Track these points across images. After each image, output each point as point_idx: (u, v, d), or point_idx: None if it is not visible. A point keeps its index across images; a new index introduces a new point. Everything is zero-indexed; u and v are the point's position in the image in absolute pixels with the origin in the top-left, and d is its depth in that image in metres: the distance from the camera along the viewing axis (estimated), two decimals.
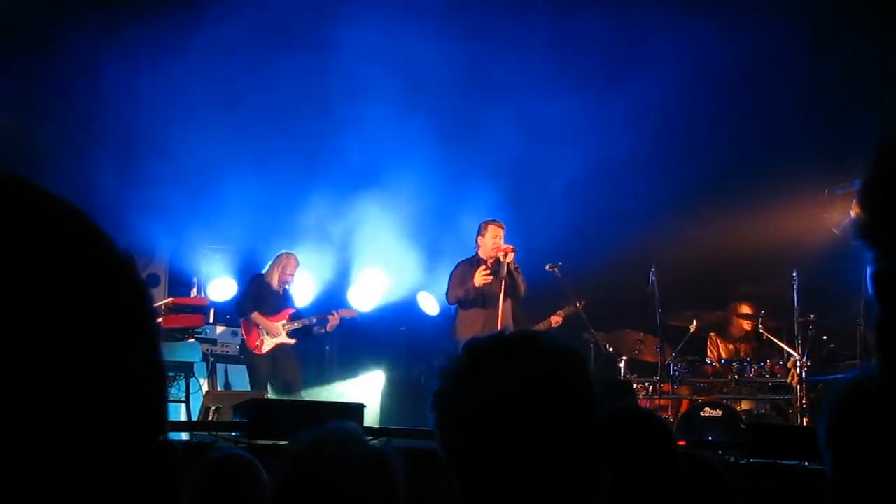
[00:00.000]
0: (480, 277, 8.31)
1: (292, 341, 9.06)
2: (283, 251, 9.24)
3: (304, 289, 10.02)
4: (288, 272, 9.12)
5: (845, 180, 8.18)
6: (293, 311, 9.18)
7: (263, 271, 9.19)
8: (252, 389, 8.83)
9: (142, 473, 0.76)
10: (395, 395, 10.82)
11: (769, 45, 9.63)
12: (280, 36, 9.80)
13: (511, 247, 8.35)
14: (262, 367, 8.94)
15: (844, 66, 9.41)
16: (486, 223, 8.57)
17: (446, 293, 8.71)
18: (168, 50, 9.40)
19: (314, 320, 9.18)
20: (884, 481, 1.38)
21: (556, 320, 8.76)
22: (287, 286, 9.21)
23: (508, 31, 10.12)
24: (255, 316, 8.96)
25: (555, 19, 9.87)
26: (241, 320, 9.13)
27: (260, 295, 9.06)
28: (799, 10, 9.24)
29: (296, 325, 9.07)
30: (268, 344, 8.95)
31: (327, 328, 9.18)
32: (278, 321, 9.04)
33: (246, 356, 9.13)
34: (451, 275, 8.67)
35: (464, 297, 8.46)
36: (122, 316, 0.76)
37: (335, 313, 9.20)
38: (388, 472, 2.15)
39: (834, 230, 8.31)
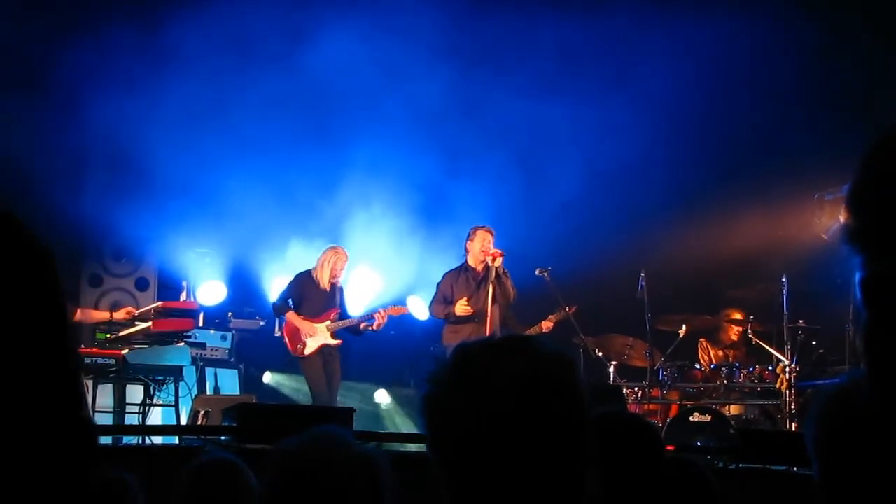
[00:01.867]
0: (461, 308, 8.37)
1: (337, 342, 8.66)
2: (331, 245, 8.91)
3: None
4: (338, 267, 8.71)
5: (835, 185, 8.20)
6: (338, 311, 8.73)
7: (312, 269, 8.78)
8: (315, 402, 8.40)
9: (49, 448, 0.75)
10: (385, 400, 10.82)
11: (761, 52, 9.66)
12: (271, 41, 9.80)
13: (499, 251, 8.35)
14: (313, 369, 8.56)
15: (836, 71, 9.44)
16: (476, 229, 8.58)
17: (430, 304, 8.74)
18: (152, 57, 9.41)
19: (358, 320, 8.72)
20: (871, 486, 1.38)
21: (546, 325, 8.73)
22: (336, 282, 8.76)
23: (506, 37, 10.15)
24: (290, 316, 8.62)
25: (553, 31, 9.90)
26: (280, 322, 8.73)
27: (302, 295, 8.70)
28: (793, 15, 9.27)
29: (340, 324, 8.65)
30: (310, 346, 8.55)
31: (374, 326, 8.66)
32: (320, 322, 8.63)
33: (299, 363, 8.72)
34: (437, 286, 8.70)
35: (444, 319, 8.49)
36: (25, 300, 0.76)
37: (382, 311, 8.70)
38: (376, 475, 2.14)
39: (823, 235, 8.32)
